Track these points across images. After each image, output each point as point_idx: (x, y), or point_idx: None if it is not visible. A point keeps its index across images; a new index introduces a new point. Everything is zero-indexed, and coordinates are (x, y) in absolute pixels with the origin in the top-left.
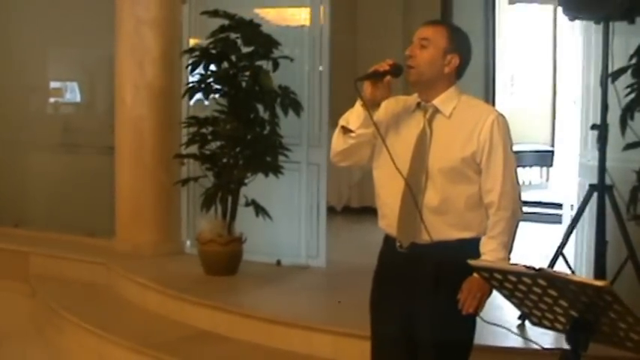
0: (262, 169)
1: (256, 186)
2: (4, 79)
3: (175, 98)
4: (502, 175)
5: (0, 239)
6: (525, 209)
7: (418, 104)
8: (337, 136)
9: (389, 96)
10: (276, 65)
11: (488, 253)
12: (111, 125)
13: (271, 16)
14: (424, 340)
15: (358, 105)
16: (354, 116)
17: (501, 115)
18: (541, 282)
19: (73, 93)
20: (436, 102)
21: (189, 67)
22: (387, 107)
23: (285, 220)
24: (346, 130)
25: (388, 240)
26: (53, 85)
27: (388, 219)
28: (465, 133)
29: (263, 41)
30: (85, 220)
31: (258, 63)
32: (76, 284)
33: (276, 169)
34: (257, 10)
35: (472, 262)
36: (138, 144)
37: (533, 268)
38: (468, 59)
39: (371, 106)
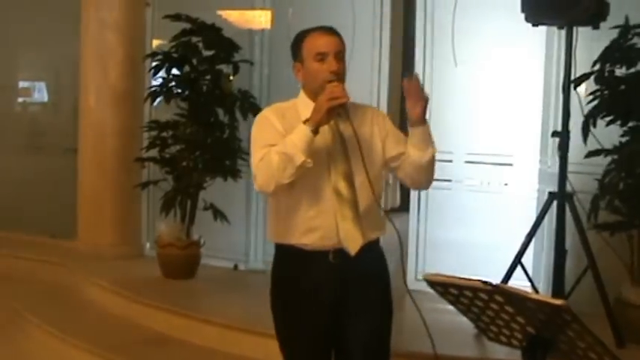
0: (221, 173)
1: (215, 190)
2: None
3: (138, 101)
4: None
5: None
6: None
7: None
8: (284, 167)
9: None
10: (236, 69)
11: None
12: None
13: (233, 18)
14: (359, 329)
15: (308, 133)
16: (306, 145)
17: None
18: (498, 298)
19: (41, 94)
20: None
21: (152, 71)
22: (287, 121)
23: (244, 224)
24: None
25: (309, 254)
26: (22, 84)
27: (322, 231)
28: (369, 130)
29: (224, 45)
30: (48, 221)
31: (219, 67)
32: (38, 285)
33: (234, 173)
34: (220, 12)
35: (427, 276)
36: (100, 146)
37: (490, 284)
38: None
39: (317, 130)
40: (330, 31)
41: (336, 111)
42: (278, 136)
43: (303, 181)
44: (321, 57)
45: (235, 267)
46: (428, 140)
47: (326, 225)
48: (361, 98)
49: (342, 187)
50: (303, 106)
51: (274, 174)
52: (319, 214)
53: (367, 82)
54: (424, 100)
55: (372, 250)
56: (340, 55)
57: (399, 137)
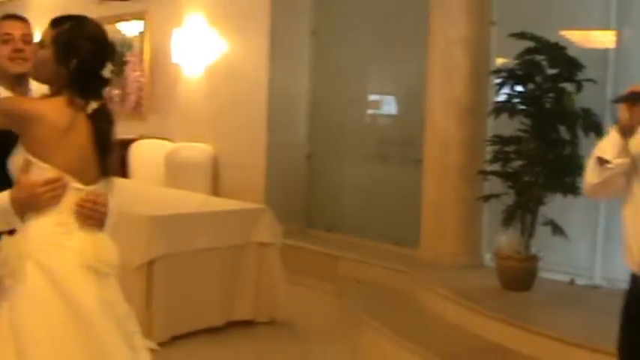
0: (561, 189)
1: (553, 204)
2: (328, 93)
3: (481, 115)
4: None
5: (313, 242)
6: None
7: None
8: (592, 168)
9: None
10: (579, 88)
11: None
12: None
13: (576, 38)
14: None
15: (614, 132)
16: (609, 145)
17: None
18: None
19: (389, 106)
20: None
21: (497, 87)
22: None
23: (581, 240)
24: (602, 161)
25: (634, 278)
26: (372, 97)
27: (633, 255)
28: None
29: (567, 64)
30: (392, 229)
31: (562, 85)
32: (380, 289)
33: (574, 190)
34: (562, 32)
35: None
36: (444, 158)
37: None
38: None
39: (627, 132)
40: None
41: (634, 106)
42: None
43: (632, 200)
44: None
45: (571, 281)
46: None
47: (634, 247)
48: None
49: None
50: None
51: (587, 175)
52: (634, 234)
53: None
54: None
55: None
56: None
57: None
